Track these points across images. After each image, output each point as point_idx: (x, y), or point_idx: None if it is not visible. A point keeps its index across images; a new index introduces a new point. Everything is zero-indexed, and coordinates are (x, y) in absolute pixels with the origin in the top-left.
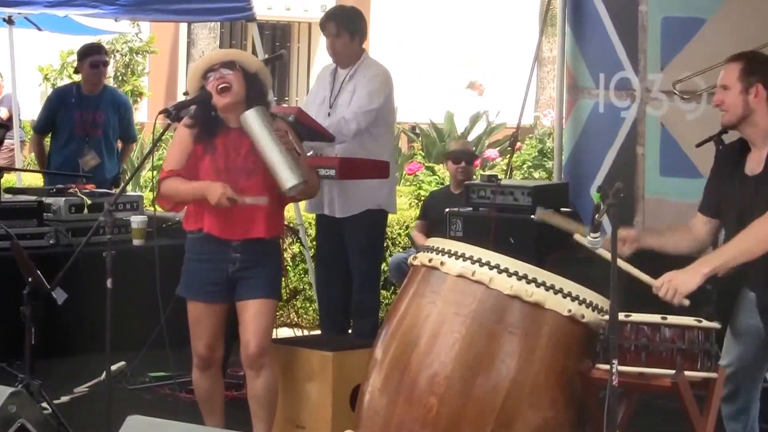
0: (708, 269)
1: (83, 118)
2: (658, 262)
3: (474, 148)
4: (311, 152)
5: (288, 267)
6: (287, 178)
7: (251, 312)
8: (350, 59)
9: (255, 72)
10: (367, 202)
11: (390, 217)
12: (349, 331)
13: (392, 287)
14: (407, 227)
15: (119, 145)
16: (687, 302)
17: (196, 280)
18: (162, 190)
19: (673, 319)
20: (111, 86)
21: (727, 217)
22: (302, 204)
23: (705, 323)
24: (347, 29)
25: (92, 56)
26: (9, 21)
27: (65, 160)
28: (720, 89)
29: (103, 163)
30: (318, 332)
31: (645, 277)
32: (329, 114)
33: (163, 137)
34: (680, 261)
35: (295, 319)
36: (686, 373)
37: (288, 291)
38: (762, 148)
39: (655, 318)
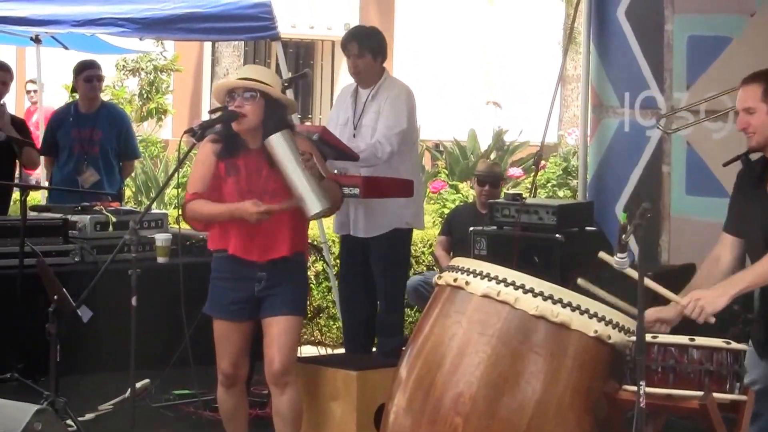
0: (736, 291)
1: (81, 136)
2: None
3: (500, 170)
4: (335, 171)
5: (311, 285)
6: (312, 205)
7: (276, 329)
8: (372, 79)
9: (277, 98)
10: (394, 221)
11: (414, 234)
12: (374, 349)
13: (415, 305)
14: (431, 245)
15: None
16: (713, 320)
17: (221, 298)
18: (188, 213)
19: (701, 340)
20: (109, 102)
21: (750, 236)
22: (327, 222)
23: (734, 345)
24: (369, 49)
25: (87, 71)
26: (36, 40)
27: (64, 178)
28: (743, 113)
29: (102, 179)
30: (342, 350)
31: (671, 295)
32: (354, 135)
33: (189, 156)
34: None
35: (319, 337)
36: (715, 395)
37: (312, 309)
38: None
39: (683, 339)
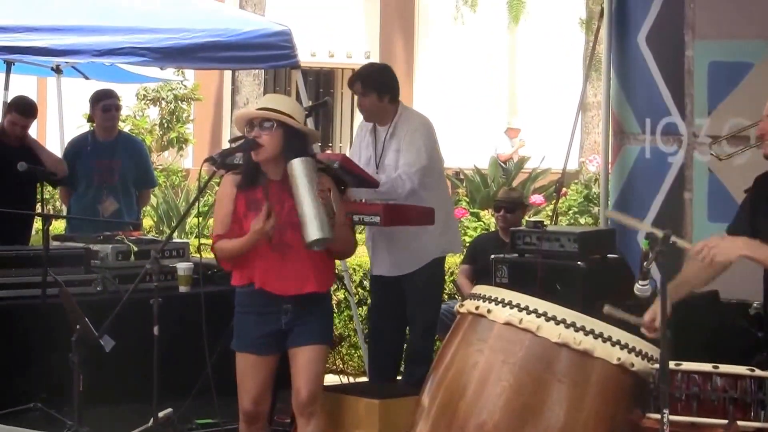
0: (749, 253)
1: (100, 166)
2: None
3: (519, 196)
4: (362, 199)
5: (333, 313)
6: (313, 231)
7: (303, 359)
8: (383, 117)
9: (296, 128)
10: (432, 252)
11: None
12: (398, 377)
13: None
14: (452, 274)
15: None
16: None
17: (248, 332)
18: (217, 255)
19: (724, 368)
20: (125, 132)
21: None
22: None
23: (758, 372)
24: (373, 88)
25: (104, 101)
26: (57, 70)
27: (84, 208)
28: (765, 118)
29: (121, 208)
30: (364, 379)
31: (683, 243)
32: (377, 173)
33: (209, 184)
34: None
35: (341, 365)
36: (739, 423)
37: (333, 338)
38: None
39: (707, 367)
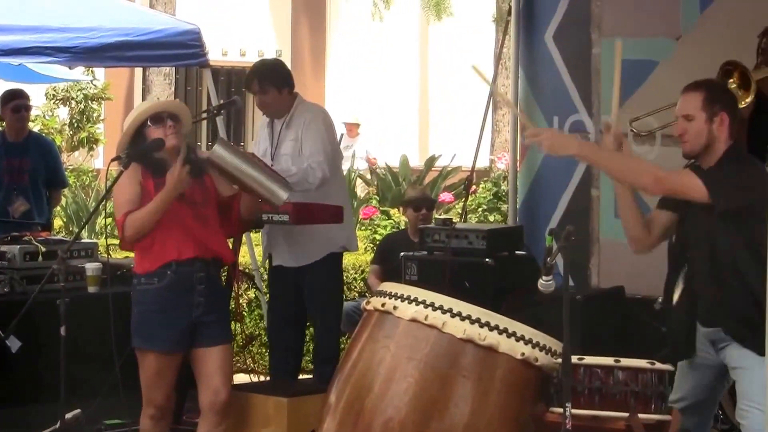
0: (579, 153)
1: (10, 165)
2: None
3: (427, 194)
4: None
5: (244, 313)
6: (278, 193)
7: (219, 358)
8: (284, 110)
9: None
10: (328, 246)
11: (345, 260)
12: (302, 376)
13: (347, 332)
14: (363, 272)
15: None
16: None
17: (156, 330)
18: (128, 228)
19: (626, 361)
20: (35, 132)
21: (692, 247)
22: (259, 250)
23: (658, 365)
24: (271, 84)
25: (14, 101)
26: None
27: None
28: (682, 119)
29: (32, 209)
30: None
31: (529, 122)
32: (272, 166)
33: None
34: None
35: (252, 365)
36: (640, 415)
37: (244, 337)
38: None
39: (608, 361)
